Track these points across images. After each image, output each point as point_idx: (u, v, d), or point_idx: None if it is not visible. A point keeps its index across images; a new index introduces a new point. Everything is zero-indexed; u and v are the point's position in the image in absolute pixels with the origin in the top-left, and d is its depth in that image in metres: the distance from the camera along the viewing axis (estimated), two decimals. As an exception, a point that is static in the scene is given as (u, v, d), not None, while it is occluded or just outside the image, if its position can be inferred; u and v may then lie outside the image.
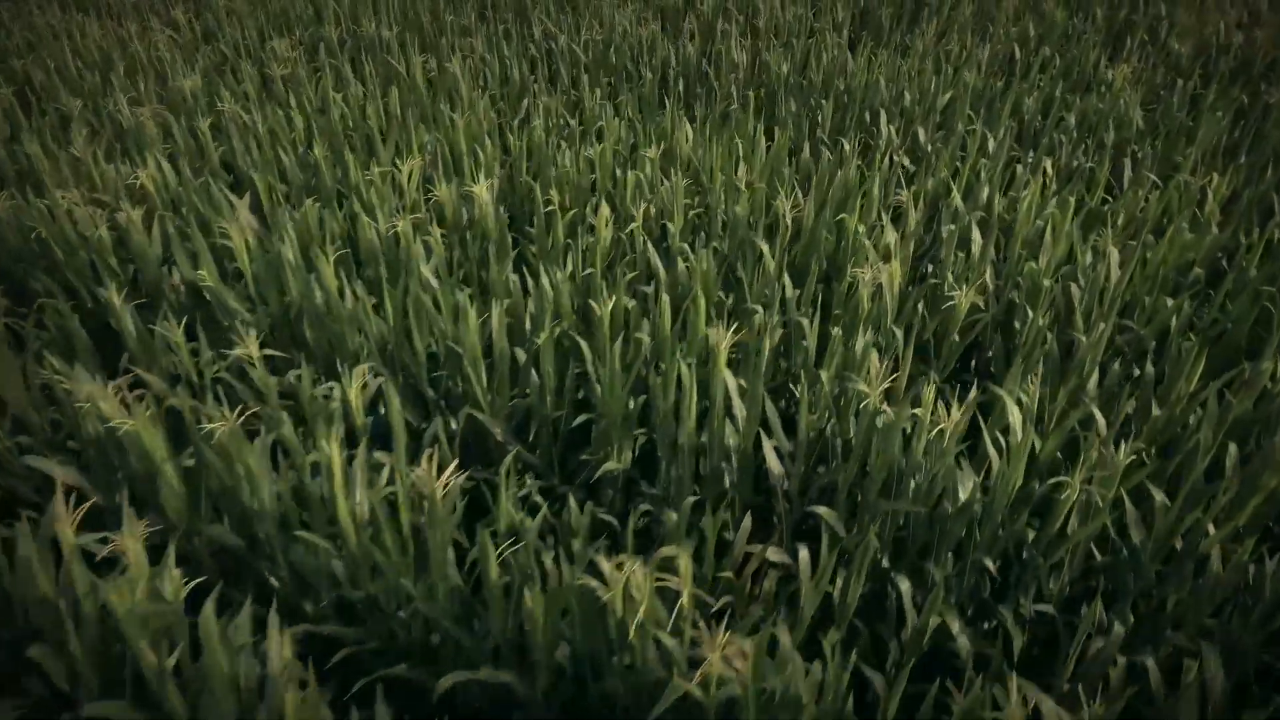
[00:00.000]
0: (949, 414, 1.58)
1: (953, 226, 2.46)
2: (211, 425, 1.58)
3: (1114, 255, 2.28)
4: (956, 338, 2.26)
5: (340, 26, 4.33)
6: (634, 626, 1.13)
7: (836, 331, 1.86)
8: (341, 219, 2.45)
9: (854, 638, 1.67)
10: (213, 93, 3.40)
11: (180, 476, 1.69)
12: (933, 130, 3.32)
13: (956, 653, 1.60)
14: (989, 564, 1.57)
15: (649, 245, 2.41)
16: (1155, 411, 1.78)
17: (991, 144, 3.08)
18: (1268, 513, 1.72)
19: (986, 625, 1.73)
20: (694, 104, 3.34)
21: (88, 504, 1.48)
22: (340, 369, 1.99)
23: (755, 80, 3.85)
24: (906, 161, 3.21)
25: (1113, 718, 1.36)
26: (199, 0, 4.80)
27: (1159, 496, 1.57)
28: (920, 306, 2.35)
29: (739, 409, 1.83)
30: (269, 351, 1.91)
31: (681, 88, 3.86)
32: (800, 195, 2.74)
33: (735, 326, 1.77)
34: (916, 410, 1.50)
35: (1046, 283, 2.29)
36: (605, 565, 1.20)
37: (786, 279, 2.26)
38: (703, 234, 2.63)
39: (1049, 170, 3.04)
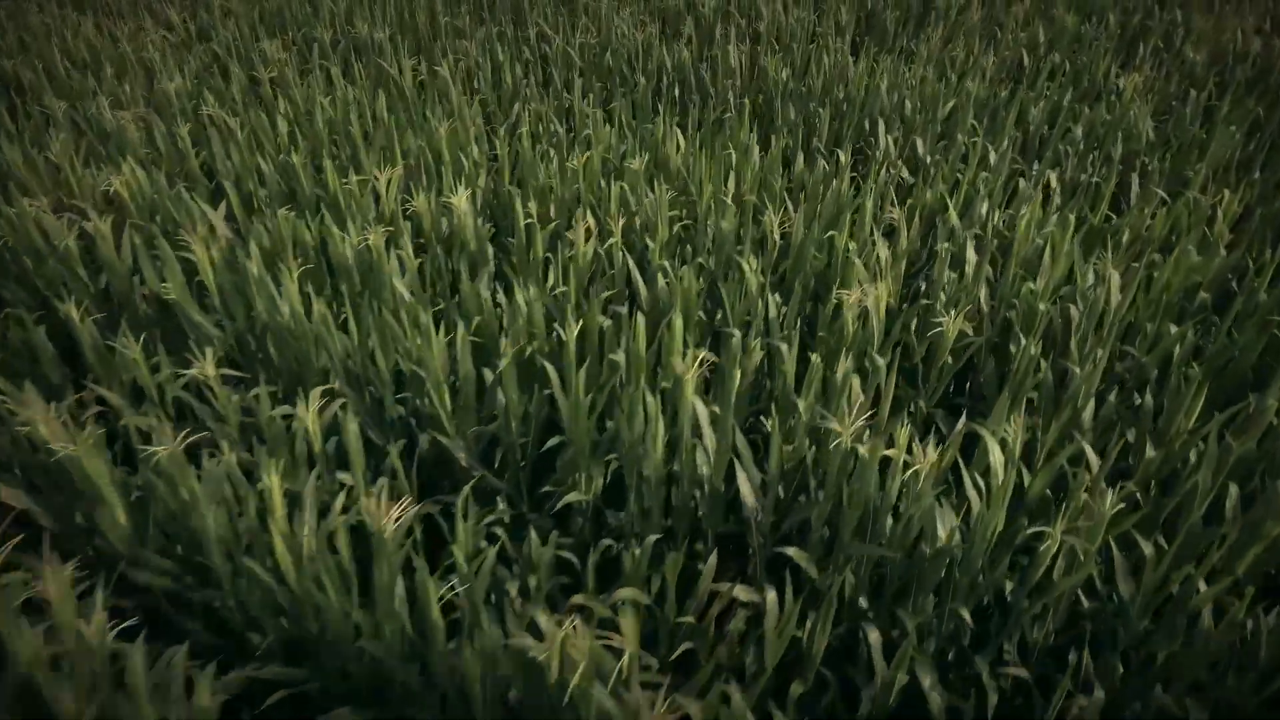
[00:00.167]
0: (932, 446, 1.48)
1: (948, 244, 2.36)
2: (153, 449, 1.52)
3: (1115, 278, 2.17)
4: (950, 359, 2.16)
5: (334, 28, 4.27)
6: (569, 689, 1.05)
7: (815, 359, 1.77)
8: (315, 230, 2.38)
9: (823, 689, 1.58)
10: (198, 95, 3.35)
11: (125, 503, 1.63)
12: (933, 141, 3.21)
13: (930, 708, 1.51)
14: (964, 614, 1.48)
15: (629, 261, 2.32)
16: (1150, 453, 1.68)
17: (993, 156, 2.97)
18: (1268, 560, 1.61)
19: (965, 673, 1.64)
20: (689, 110, 3.24)
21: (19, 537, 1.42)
22: (299, 390, 1.92)
23: (753, 86, 3.75)
24: (905, 173, 3.10)
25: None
26: None
27: (1148, 549, 1.47)
28: (911, 328, 2.26)
29: (708, 438, 1.74)
30: (226, 371, 1.84)
31: (677, 93, 3.77)
32: (791, 209, 2.65)
33: (699, 359, 1.68)
34: (890, 451, 1.41)
35: (1043, 306, 2.19)
36: (544, 620, 1.12)
37: (772, 298, 2.17)
38: (689, 248, 2.54)
39: (1053, 183, 2.93)
